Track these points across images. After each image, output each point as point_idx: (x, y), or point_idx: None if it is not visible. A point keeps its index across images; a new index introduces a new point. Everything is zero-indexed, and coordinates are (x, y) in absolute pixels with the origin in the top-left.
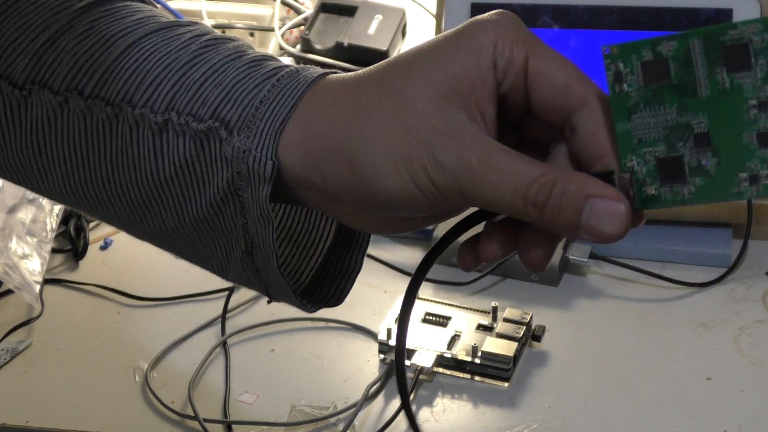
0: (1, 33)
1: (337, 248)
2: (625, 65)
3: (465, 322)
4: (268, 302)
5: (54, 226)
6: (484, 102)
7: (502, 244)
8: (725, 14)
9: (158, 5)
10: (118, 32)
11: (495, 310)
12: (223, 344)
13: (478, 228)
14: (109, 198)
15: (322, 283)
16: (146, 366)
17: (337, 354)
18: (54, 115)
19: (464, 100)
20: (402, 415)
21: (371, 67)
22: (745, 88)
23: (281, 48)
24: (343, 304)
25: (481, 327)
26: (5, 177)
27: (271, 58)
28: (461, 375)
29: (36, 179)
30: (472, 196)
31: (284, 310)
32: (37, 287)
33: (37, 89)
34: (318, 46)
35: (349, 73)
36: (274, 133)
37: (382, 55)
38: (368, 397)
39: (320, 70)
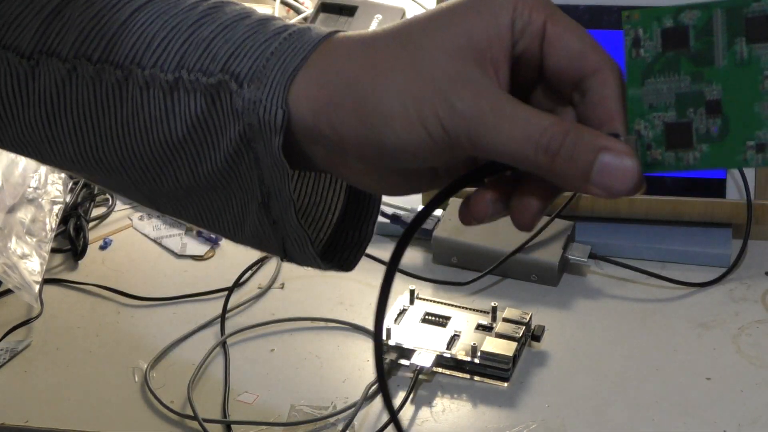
0: (6, 5)
1: (346, 219)
2: (645, 31)
3: (464, 322)
4: (282, 259)
5: (53, 226)
6: (500, 60)
7: (492, 203)
8: None
9: None
10: None
11: (494, 310)
12: (223, 344)
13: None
14: (121, 163)
15: (332, 253)
16: (146, 366)
17: (336, 354)
18: (63, 84)
19: (481, 56)
20: (402, 415)
21: (387, 25)
22: (762, 59)
23: None
24: (342, 304)
25: (480, 327)
26: (15, 150)
27: (279, 19)
28: (461, 375)
29: (47, 151)
30: (481, 143)
31: (284, 310)
32: (37, 287)
33: (44, 58)
34: None
35: (365, 31)
36: (284, 83)
37: None
38: (367, 397)
39: (332, 29)
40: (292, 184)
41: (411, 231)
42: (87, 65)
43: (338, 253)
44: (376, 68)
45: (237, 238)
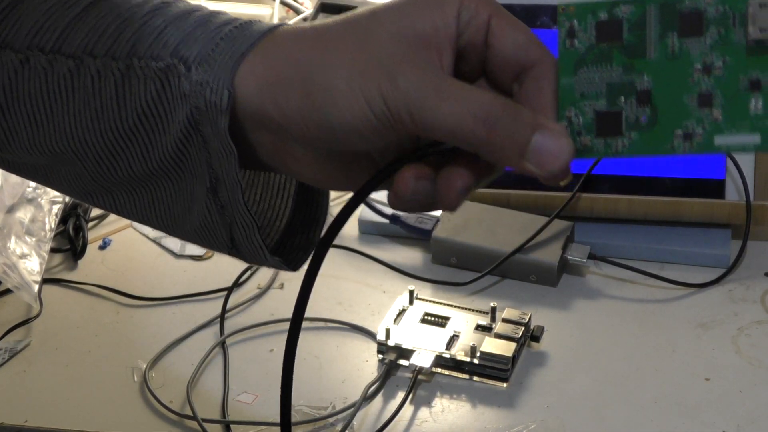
0: None
1: (294, 225)
2: (579, 23)
3: (464, 322)
4: (229, 251)
5: (53, 226)
6: (444, 49)
7: (415, 179)
8: None
9: None
10: None
11: (494, 310)
12: (222, 344)
13: None
14: (75, 153)
15: (279, 254)
16: (145, 366)
17: (335, 354)
18: (15, 74)
19: (426, 42)
20: (401, 415)
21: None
22: (693, 53)
23: None
24: (341, 304)
25: (479, 327)
26: None
27: (229, 14)
28: (460, 375)
29: (3, 142)
30: (422, 117)
31: (283, 310)
32: (36, 287)
33: None
34: None
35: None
36: (231, 65)
37: None
38: (367, 397)
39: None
40: (242, 192)
41: (348, 210)
42: (39, 56)
43: (285, 254)
44: (325, 48)
45: (186, 229)
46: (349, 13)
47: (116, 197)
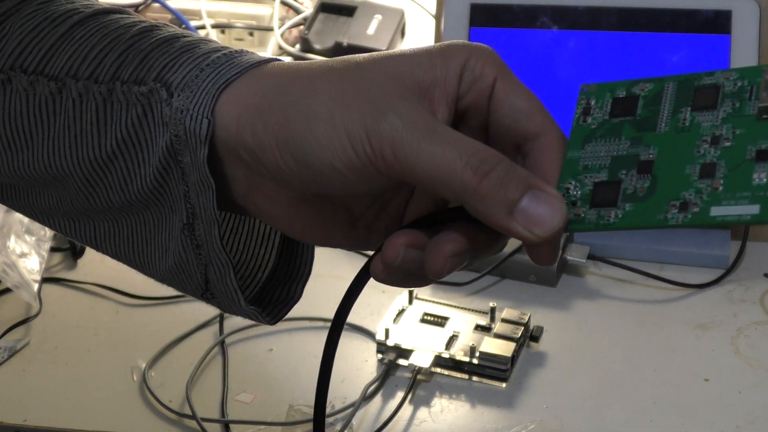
0: None
1: (276, 278)
2: (597, 101)
3: (463, 322)
4: (201, 296)
5: None
6: (441, 103)
7: (406, 247)
8: (724, 15)
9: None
10: (66, 12)
11: (493, 310)
12: (221, 344)
13: None
14: (54, 178)
15: (258, 306)
16: (144, 365)
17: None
18: None
19: (422, 92)
20: (400, 415)
21: None
22: (703, 125)
23: (280, 48)
24: None
25: (479, 327)
26: None
27: (218, 42)
28: (459, 375)
29: None
30: (406, 155)
31: None
32: (36, 286)
33: None
34: (317, 46)
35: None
36: (214, 93)
37: None
38: (366, 397)
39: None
40: (218, 229)
41: (348, 301)
42: (22, 76)
43: (264, 306)
44: (313, 77)
45: (162, 268)
46: (348, 56)
47: (97, 225)
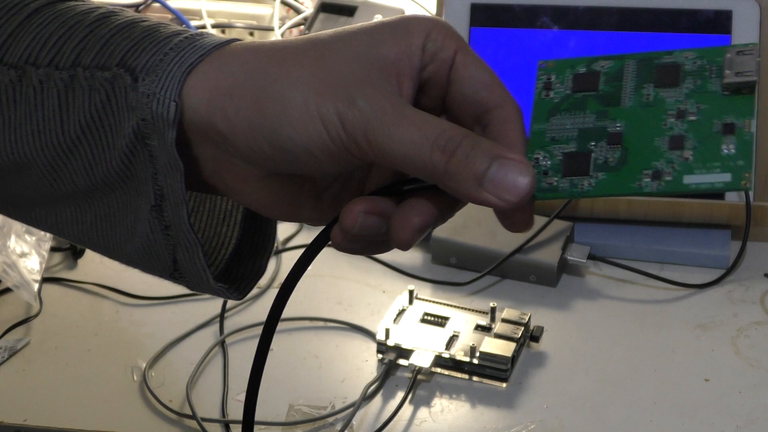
0: None
1: (240, 253)
2: (557, 77)
3: (463, 322)
4: (169, 276)
5: None
6: (406, 77)
7: (363, 214)
8: (724, 15)
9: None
10: (23, 1)
11: (493, 310)
12: (222, 343)
13: None
14: (17, 166)
15: (225, 281)
16: (144, 365)
17: (335, 354)
18: None
19: (388, 69)
20: (400, 415)
21: None
22: (667, 101)
23: None
24: (341, 304)
25: (479, 327)
26: None
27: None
28: (459, 375)
29: None
30: (378, 140)
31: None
32: (36, 286)
33: None
34: None
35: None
36: (180, 76)
37: None
38: (366, 397)
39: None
40: (187, 210)
41: (310, 253)
42: None
43: (231, 282)
44: (283, 60)
45: (128, 251)
46: (312, 33)
47: (59, 212)
